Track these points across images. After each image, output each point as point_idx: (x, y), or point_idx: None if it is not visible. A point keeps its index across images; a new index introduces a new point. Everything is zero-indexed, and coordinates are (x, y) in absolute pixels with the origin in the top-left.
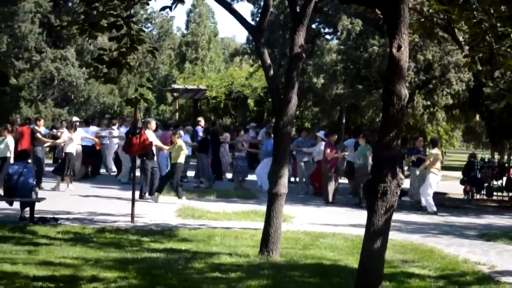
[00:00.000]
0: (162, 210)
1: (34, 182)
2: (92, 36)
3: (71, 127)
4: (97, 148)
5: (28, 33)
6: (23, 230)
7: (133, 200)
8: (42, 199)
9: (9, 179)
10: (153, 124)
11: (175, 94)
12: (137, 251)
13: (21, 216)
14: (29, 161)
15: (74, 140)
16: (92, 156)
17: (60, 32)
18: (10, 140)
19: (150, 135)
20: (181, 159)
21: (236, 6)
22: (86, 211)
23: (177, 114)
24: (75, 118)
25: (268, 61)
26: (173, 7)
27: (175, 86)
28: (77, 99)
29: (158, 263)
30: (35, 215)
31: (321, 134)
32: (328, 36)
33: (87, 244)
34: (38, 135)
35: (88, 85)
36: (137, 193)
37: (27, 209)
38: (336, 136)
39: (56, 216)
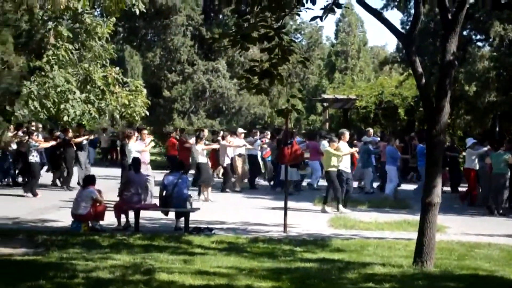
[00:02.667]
0: (315, 220)
1: (189, 193)
2: (245, 48)
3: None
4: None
5: (180, 46)
6: (179, 239)
7: (285, 210)
8: (197, 209)
9: (164, 190)
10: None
11: (325, 104)
12: (290, 261)
13: (176, 226)
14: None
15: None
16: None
17: (212, 44)
18: None
19: None
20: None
21: (386, 14)
22: (240, 221)
23: (327, 124)
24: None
25: (420, 69)
26: (324, 17)
27: (325, 96)
28: (228, 110)
29: (311, 273)
30: (190, 225)
31: (470, 141)
32: (480, 43)
33: (241, 253)
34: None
35: (239, 96)
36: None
37: (182, 219)
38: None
39: (210, 226)
